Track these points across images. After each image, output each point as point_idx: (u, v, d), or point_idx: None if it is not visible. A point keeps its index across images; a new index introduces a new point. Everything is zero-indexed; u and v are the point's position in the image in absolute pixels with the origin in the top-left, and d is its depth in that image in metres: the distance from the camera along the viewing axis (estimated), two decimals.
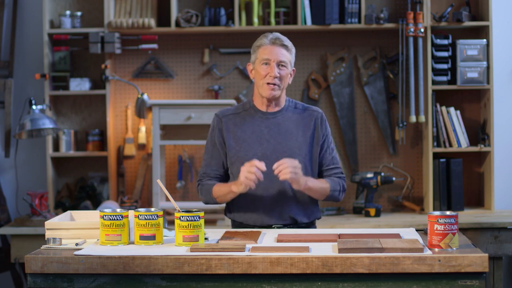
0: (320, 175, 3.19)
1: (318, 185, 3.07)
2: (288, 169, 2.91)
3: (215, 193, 3.12)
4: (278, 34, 3.11)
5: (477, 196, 4.74)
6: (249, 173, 2.92)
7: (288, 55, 3.08)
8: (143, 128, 4.71)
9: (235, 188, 3.00)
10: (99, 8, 4.70)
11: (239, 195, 3.05)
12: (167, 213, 4.40)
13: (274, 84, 3.06)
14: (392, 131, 4.73)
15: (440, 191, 4.54)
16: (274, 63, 3.05)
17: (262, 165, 2.93)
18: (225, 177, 3.20)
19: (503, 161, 4.74)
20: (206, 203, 3.20)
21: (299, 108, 3.18)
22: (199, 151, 4.73)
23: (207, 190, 3.14)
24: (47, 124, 4.41)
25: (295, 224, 3.12)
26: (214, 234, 2.90)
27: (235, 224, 3.18)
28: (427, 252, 2.52)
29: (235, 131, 3.13)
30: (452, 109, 4.56)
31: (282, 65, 3.06)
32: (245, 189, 2.97)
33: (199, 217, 2.67)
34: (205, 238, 2.76)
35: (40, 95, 4.69)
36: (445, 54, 4.53)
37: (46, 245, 2.69)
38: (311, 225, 3.19)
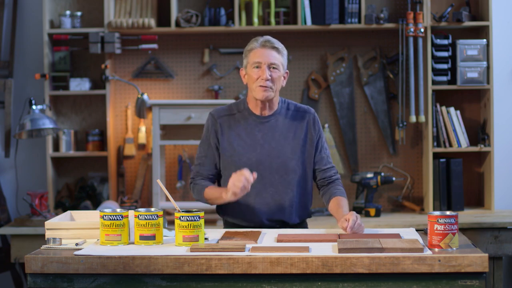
0: (316, 174, 3.19)
1: (347, 207, 3.09)
2: (361, 226, 2.89)
3: (206, 195, 3.12)
4: (268, 37, 3.09)
5: (477, 196, 4.74)
6: (238, 181, 2.90)
7: (279, 57, 3.07)
8: (143, 128, 4.71)
9: (225, 195, 2.99)
10: (99, 8, 4.70)
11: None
12: (167, 213, 4.40)
13: (267, 86, 3.06)
14: (392, 131, 4.73)
15: (440, 191, 4.54)
16: (265, 66, 3.04)
17: (250, 176, 2.90)
18: (217, 178, 3.20)
19: (503, 161, 4.74)
20: (197, 201, 3.21)
21: (291, 110, 3.17)
22: None
23: (199, 190, 3.15)
24: (47, 124, 4.40)
25: (287, 225, 3.13)
26: (214, 234, 2.91)
27: (228, 224, 3.19)
28: (427, 252, 2.52)
29: (229, 134, 3.12)
30: (452, 109, 4.56)
31: (273, 67, 3.05)
32: (233, 198, 2.95)
33: (199, 217, 2.67)
34: (205, 238, 2.76)
35: (40, 95, 4.69)
36: (445, 54, 4.53)
37: (46, 245, 2.68)
38: (302, 223, 3.20)
